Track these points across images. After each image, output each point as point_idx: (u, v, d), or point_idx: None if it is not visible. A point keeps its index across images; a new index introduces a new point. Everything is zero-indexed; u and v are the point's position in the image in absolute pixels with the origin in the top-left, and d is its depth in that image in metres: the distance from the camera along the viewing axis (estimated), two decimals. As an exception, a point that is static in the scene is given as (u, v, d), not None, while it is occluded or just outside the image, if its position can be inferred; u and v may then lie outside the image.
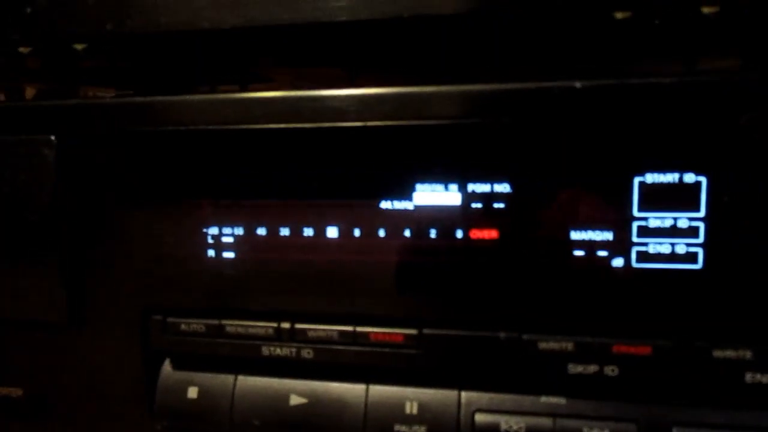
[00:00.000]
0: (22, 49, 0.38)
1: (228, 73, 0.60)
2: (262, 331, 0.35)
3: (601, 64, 0.48)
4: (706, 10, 0.30)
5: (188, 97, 0.35)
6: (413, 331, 0.34)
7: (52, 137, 0.36)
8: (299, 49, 0.42)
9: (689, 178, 0.31)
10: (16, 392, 0.41)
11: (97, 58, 0.43)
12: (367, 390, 0.35)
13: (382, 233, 0.34)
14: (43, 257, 0.37)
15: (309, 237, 0.35)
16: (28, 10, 0.36)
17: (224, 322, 0.36)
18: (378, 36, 0.37)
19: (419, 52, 0.43)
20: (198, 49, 0.40)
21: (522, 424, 0.33)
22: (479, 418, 0.34)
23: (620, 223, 0.32)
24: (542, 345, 0.32)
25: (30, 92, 0.67)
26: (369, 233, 0.34)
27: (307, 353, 0.35)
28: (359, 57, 0.47)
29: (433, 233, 0.34)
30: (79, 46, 0.37)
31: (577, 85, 0.31)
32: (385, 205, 0.34)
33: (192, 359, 0.37)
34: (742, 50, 0.43)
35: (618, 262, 0.32)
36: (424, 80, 0.65)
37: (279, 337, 0.35)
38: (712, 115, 0.30)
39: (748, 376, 0.30)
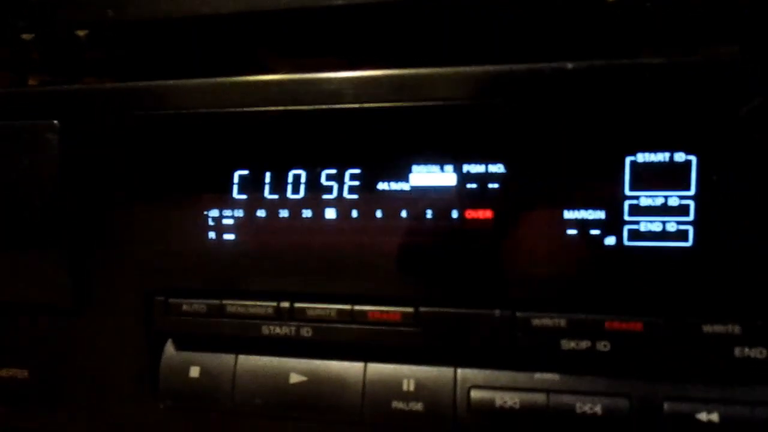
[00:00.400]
0: (25, 36, 0.38)
1: (228, 64, 0.61)
2: (262, 311, 0.36)
3: (598, 51, 0.48)
4: (695, -8, 0.30)
5: (188, 81, 0.36)
6: (410, 310, 0.35)
7: (56, 122, 0.37)
8: (298, 37, 0.42)
9: (680, 157, 0.31)
10: (23, 374, 0.42)
11: (99, 49, 0.44)
12: (365, 368, 0.36)
13: (379, 214, 0.35)
14: (48, 241, 0.38)
15: (307, 218, 0.36)
16: (31, -3, 0.37)
17: (225, 302, 0.37)
18: (376, 23, 0.37)
19: (416, 39, 0.44)
20: (197, 39, 0.41)
21: (516, 400, 0.34)
22: (475, 394, 0.34)
23: (612, 202, 0.32)
24: (536, 322, 0.33)
25: (33, 81, 0.68)
26: (366, 214, 0.35)
27: (306, 332, 0.36)
28: (358, 46, 0.47)
29: (429, 214, 0.34)
30: (81, 33, 0.38)
31: (569, 66, 0.31)
32: (381, 186, 0.35)
33: (194, 339, 0.38)
34: (740, 37, 0.44)
35: (610, 240, 0.33)
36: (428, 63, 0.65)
37: (279, 316, 0.36)
38: (701, 95, 0.31)
39: (737, 351, 0.31)
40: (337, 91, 0.34)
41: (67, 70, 0.59)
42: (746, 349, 0.31)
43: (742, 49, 0.46)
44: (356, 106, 0.33)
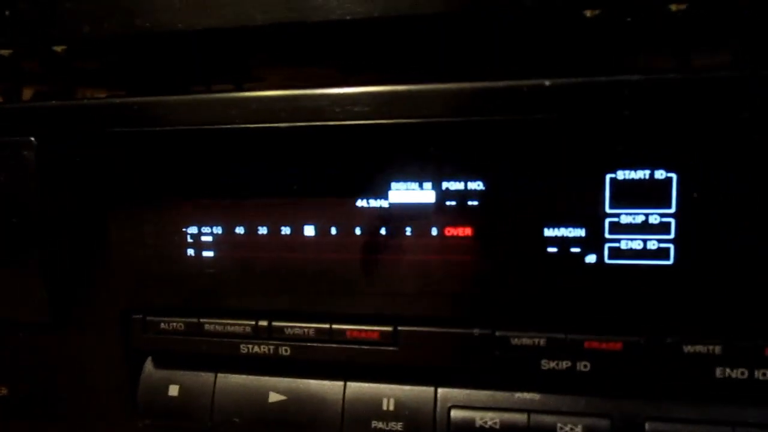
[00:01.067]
0: (3, 52, 0.38)
1: (221, 73, 0.60)
2: (240, 330, 0.36)
3: (591, 60, 0.48)
4: (673, 7, 0.30)
5: (164, 98, 0.35)
6: (389, 328, 0.34)
7: (32, 139, 0.37)
8: (290, 48, 0.42)
9: (660, 174, 0.31)
10: (2, 390, 0.41)
11: (91, 60, 0.44)
12: (344, 387, 0.36)
13: (358, 231, 0.34)
14: (26, 258, 0.38)
15: (286, 235, 0.35)
16: (7, 13, 0.36)
17: (203, 320, 0.36)
18: (369, 36, 0.37)
19: (408, 50, 0.43)
20: (190, 49, 0.41)
21: (497, 420, 0.33)
22: (455, 414, 0.34)
23: (592, 219, 0.32)
24: (515, 341, 0.33)
25: (27, 93, 0.67)
26: (345, 231, 0.35)
27: (284, 351, 0.36)
28: (352, 55, 0.47)
29: (408, 231, 0.34)
30: (58, 48, 0.37)
31: (546, 83, 0.31)
32: (360, 203, 0.34)
33: (173, 357, 0.38)
34: (732, 44, 0.43)
35: (591, 258, 0.32)
36: (417, 77, 0.65)
37: (257, 335, 0.36)
38: (681, 112, 0.30)
39: (719, 371, 0.31)
40: (317, 107, 0.33)
41: (59, 82, 0.59)
42: (727, 370, 0.31)
43: (734, 56, 0.46)
44: (335, 123, 0.33)
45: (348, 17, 0.32)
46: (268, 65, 0.56)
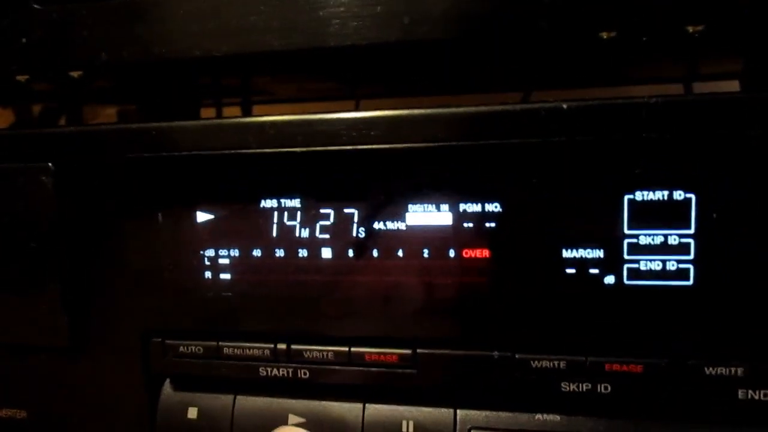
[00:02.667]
0: (19, 78, 0.38)
1: (230, 89, 0.61)
2: (258, 353, 0.36)
3: (603, 68, 0.48)
4: (691, 29, 0.30)
5: (181, 123, 0.35)
6: (407, 351, 0.34)
7: (50, 164, 0.37)
8: (298, 68, 0.42)
9: (679, 195, 0.31)
10: (21, 414, 0.41)
11: (101, 80, 0.44)
12: (363, 409, 0.36)
13: (375, 254, 0.35)
14: (45, 283, 0.38)
15: (303, 258, 0.35)
16: (24, 40, 0.36)
17: (222, 343, 0.37)
18: (371, 55, 0.37)
19: (416, 65, 0.44)
20: (202, 70, 0.41)
21: (517, 442, 0.33)
22: (475, 436, 0.34)
23: (611, 241, 0.32)
24: (535, 364, 0.33)
25: (36, 109, 0.68)
26: (363, 254, 0.35)
27: (303, 373, 0.36)
28: (356, 72, 0.47)
29: (425, 253, 0.34)
30: (75, 74, 0.37)
31: (564, 106, 0.31)
32: (378, 226, 0.34)
33: (191, 380, 0.38)
34: (743, 52, 0.43)
35: (609, 279, 0.32)
36: (425, 89, 0.65)
37: (276, 358, 0.36)
38: (699, 133, 0.30)
39: (741, 393, 0.30)
40: (332, 132, 0.33)
41: (68, 100, 0.59)
42: (750, 392, 0.30)
43: (745, 63, 0.46)
44: (351, 147, 0.33)
45: (364, 43, 0.32)
46: (276, 81, 0.56)
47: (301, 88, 0.64)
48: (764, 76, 0.43)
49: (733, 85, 0.62)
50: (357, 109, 0.74)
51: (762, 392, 0.30)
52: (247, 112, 0.76)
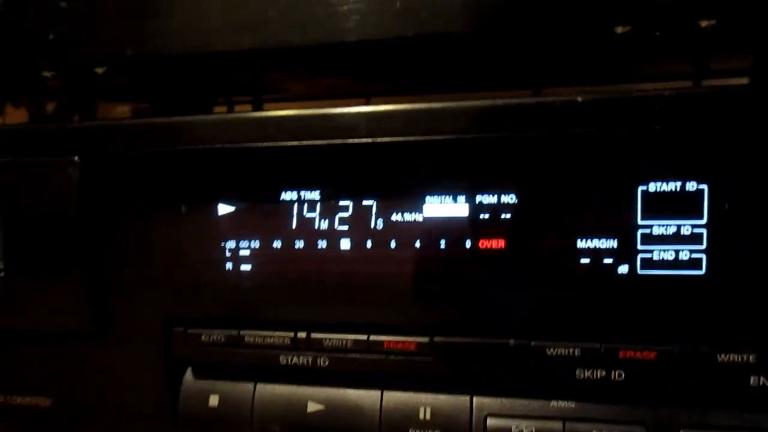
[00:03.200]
0: (45, 74, 0.39)
1: (242, 85, 0.62)
2: (279, 341, 0.37)
3: (613, 65, 0.49)
4: (703, 23, 0.31)
5: (204, 117, 0.36)
6: (425, 339, 0.35)
7: (76, 158, 0.38)
8: (315, 63, 0.43)
9: (691, 186, 0.32)
10: (44, 402, 0.42)
11: (121, 76, 0.45)
12: (381, 396, 0.36)
13: (393, 244, 0.35)
14: (68, 272, 0.39)
15: (323, 249, 0.36)
16: (51, 36, 0.37)
17: (243, 332, 0.37)
18: (389, 50, 0.38)
19: (430, 60, 0.44)
20: (212, 65, 0.42)
21: (533, 428, 0.34)
22: (491, 422, 0.35)
23: (625, 231, 0.33)
24: (550, 351, 0.33)
25: (50, 106, 0.69)
26: (381, 244, 0.35)
27: (323, 361, 0.36)
28: (372, 68, 0.48)
29: (442, 243, 0.35)
30: (99, 70, 0.38)
31: (578, 99, 0.31)
32: (396, 217, 0.35)
33: (213, 368, 0.39)
34: (753, 49, 0.44)
35: (623, 269, 0.33)
36: (437, 86, 0.66)
37: (296, 346, 0.37)
38: (711, 124, 0.31)
39: (753, 380, 0.31)
40: (352, 125, 0.34)
41: (83, 96, 0.60)
42: (762, 378, 0.31)
43: (754, 60, 0.46)
44: (369, 140, 0.34)
45: (383, 37, 0.33)
46: (288, 78, 0.57)
47: (311, 86, 0.65)
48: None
49: (743, 82, 0.63)
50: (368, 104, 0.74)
51: (773, 378, 0.31)
52: (258, 109, 0.76)
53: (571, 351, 0.33)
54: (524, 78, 0.63)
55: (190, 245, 0.38)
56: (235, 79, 0.56)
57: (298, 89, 0.69)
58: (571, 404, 0.34)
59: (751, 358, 0.31)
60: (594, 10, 0.31)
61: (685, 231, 0.32)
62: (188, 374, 0.40)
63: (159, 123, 0.37)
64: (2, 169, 0.39)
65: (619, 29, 0.32)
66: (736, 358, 0.31)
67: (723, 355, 0.31)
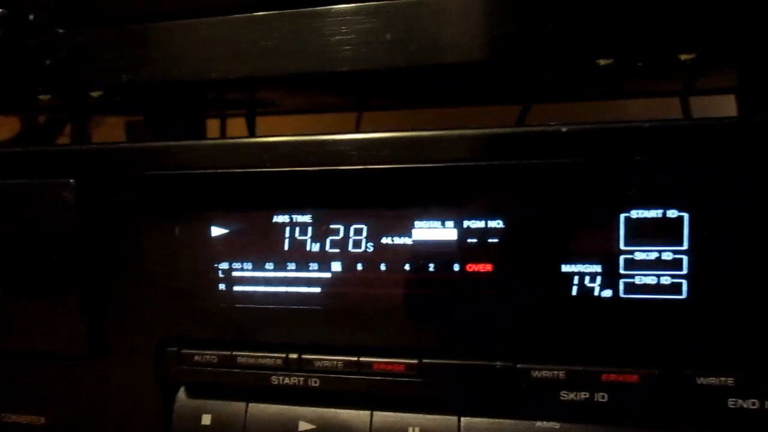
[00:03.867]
0: (42, 97, 0.40)
1: (235, 102, 0.62)
2: (271, 362, 0.38)
3: (601, 84, 0.50)
4: (683, 57, 0.32)
5: (200, 142, 0.37)
6: (414, 361, 0.36)
7: (72, 180, 0.39)
8: (308, 87, 0.44)
9: (672, 214, 0.33)
10: (39, 420, 0.43)
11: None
12: (371, 416, 0.37)
13: (383, 267, 0.36)
14: (65, 293, 0.40)
15: (314, 271, 0.37)
16: (48, 62, 0.38)
17: (236, 353, 0.38)
18: (380, 76, 0.39)
19: (420, 84, 0.45)
20: (207, 89, 0.43)
21: (519, 448, 0.35)
22: (478, 442, 0.35)
23: (608, 256, 0.34)
24: (535, 374, 0.34)
25: (42, 119, 0.70)
26: (371, 267, 0.36)
27: (314, 382, 0.37)
28: (362, 89, 0.49)
29: (431, 267, 0.36)
30: (95, 94, 0.39)
31: (563, 129, 0.32)
32: (385, 240, 0.36)
33: (205, 388, 0.40)
34: (738, 68, 0.45)
35: (607, 293, 0.34)
36: (426, 101, 0.67)
37: (287, 367, 0.37)
38: (692, 155, 0.32)
39: (731, 402, 0.32)
40: (343, 152, 0.35)
41: (76, 111, 0.61)
42: (739, 401, 0.32)
43: (740, 77, 0.48)
44: (360, 167, 0.35)
45: (374, 68, 0.34)
46: (281, 95, 0.58)
47: (305, 101, 0.66)
48: (757, 93, 0.45)
49: (729, 99, 0.64)
50: (359, 120, 0.76)
51: (750, 401, 0.32)
52: (251, 124, 0.77)
53: (555, 373, 0.34)
54: (513, 95, 0.65)
55: (183, 267, 0.39)
56: (228, 97, 0.57)
57: (291, 104, 0.70)
58: (556, 425, 0.35)
59: (729, 381, 0.32)
60: (578, 45, 0.32)
61: (667, 257, 0.33)
62: (181, 393, 0.40)
63: (154, 147, 0.38)
64: (-1, 191, 0.40)
65: (602, 62, 0.33)
66: (715, 381, 0.32)
67: (703, 378, 0.32)
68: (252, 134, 0.77)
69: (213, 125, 0.73)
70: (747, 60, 0.36)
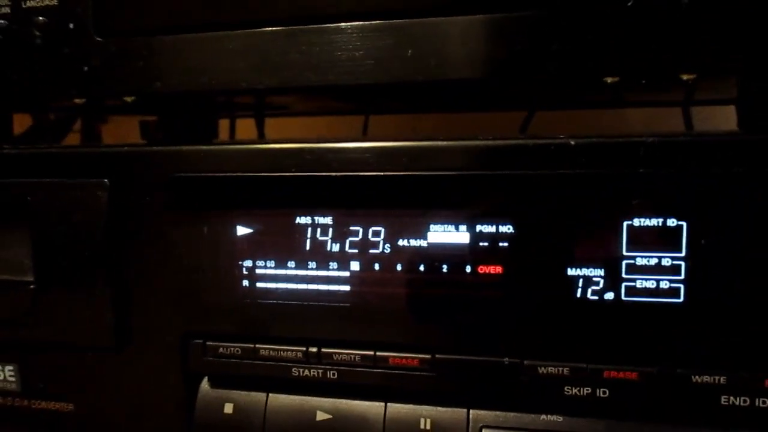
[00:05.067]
0: (77, 100, 0.42)
1: (247, 104, 0.65)
2: (292, 355, 0.40)
3: (603, 93, 0.52)
4: (685, 77, 0.34)
5: (227, 147, 0.39)
6: (427, 356, 0.38)
7: (106, 180, 0.41)
8: (324, 95, 0.46)
9: (671, 222, 0.35)
10: (67, 407, 0.45)
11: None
12: (385, 407, 0.39)
13: (399, 268, 0.38)
14: (95, 288, 0.42)
15: (333, 270, 0.39)
16: (85, 68, 0.40)
17: (258, 346, 0.40)
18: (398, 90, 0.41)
19: (434, 94, 0.47)
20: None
21: (524, 440, 0.37)
22: (486, 433, 0.38)
23: (611, 261, 0.36)
24: (541, 370, 0.36)
25: (52, 115, 0.72)
26: (388, 268, 0.38)
27: (332, 375, 0.39)
28: (374, 97, 0.51)
29: (444, 268, 0.38)
30: (128, 99, 0.41)
31: (572, 142, 0.35)
32: (402, 243, 0.38)
33: (228, 378, 0.42)
34: (739, 75, 0.47)
35: (609, 296, 0.36)
36: (432, 108, 0.69)
37: (307, 360, 0.40)
38: (690, 168, 0.34)
39: (723, 399, 0.34)
40: (363, 159, 0.37)
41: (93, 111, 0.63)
42: (731, 398, 0.34)
43: (741, 84, 0.50)
44: (380, 173, 0.37)
45: (395, 81, 0.36)
46: (291, 98, 0.60)
47: (314, 105, 0.68)
48: (755, 108, 0.47)
49: (730, 110, 0.66)
50: (366, 123, 0.78)
51: (742, 399, 0.34)
52: (260, 125, 0.80)
53: (560, 370, 0.36)
54: (517, 101, 0.67)
55: (209, 264, 0.41)
56: (241, 101, 0.59)
57: (300, 107, 0.72)
58: (559, 418, 0.37)
59: (722, 380, 0.34)
60: (587, 64, 0.34)
61: (666, 263, 0.35)
62: (204, 384, 0.43)
63: (184, 151, 0.40)
64: (35, 190, 0.42)
65: (609, 80, 0.35)
66: (709, 380, 0.35)
67: (697, 377, 0.35)
68: (261, 135, 0.80)
69: (223, 124, 0.75)
70: (746, 76, 0.38)
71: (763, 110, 0.41)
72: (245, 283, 0.41)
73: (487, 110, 0.74)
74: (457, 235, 0.38)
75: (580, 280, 0.36)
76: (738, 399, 0.34)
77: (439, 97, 0.52)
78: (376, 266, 0.39)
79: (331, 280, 0.39)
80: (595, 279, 0.36)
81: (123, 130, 0.77)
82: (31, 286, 0.43)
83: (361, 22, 0.37)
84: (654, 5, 0.33)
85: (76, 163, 0.42)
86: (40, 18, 0.40)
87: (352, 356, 0.39)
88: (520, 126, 0.75)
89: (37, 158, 0.42)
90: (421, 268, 0.38)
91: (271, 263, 0.40)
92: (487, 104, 0.68)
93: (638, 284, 0.36)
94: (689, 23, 0.33)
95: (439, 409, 0.39)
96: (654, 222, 0.35)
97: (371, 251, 0.39)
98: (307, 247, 0.40)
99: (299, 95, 0.45)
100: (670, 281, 0.35)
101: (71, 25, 0.40)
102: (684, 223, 0.35)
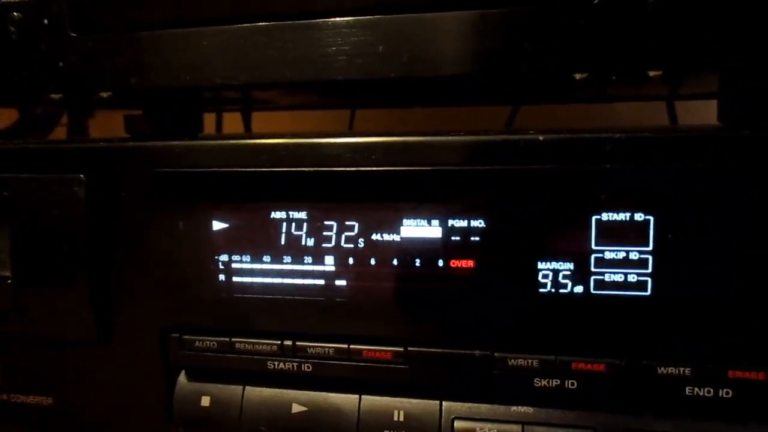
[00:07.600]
0: (54, 96, 0.42)
1: (233, 99, 0.65)
2: (267, 348, 0.40)
3: (585, 89, 0.52)
4: (651, 73, 0.35)
5: (204, 143, 0.40)
6: (400, 349, 0.39)
7: (82, 176, 0.41)
8: (306, 90, 0.46)
9: (639, 217, 0.36)
10: (47, 401, 0.45)
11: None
12: (360, 400, 0.40)
13: (373, 262, 0.39)
14: (74, 283, 0.42)
15: (308, 264, 0.40)
16: (61, 64, 0.41)
17: (234, 339, 0.41)
18: (377, 86, 0.41)
19: (413, 89, 0.48)
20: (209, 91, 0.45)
21: (495, 430, 0.38)
22: (458, 424, 0.38)
23: (580, 255, 0.36)
24: (511, 362, 0.37)
25: (39, 109, 0.72)
26: (361, 262, 0.39)
27: (307, 367, 0.40)
28: (356, 93, 0.51)
29: (417, 263, 0.38)
30: (105, 94, 0.42)
31: (540, 138, 0.35)
32: (375, 237, 0.39)
33: (205, 372, 0.42)
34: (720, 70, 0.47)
35: (578, 289, 0.37)
36: (416, 103, 0.70)
37: (282, 353, 0.40)
38: (657, 163, 0.35)
39: (688, 390, 0.35)
40: (337, 154, 0.38)
41: (78, 106, 0.63)
42: (696, 389, 0.35)
43: (722, 79, 0.50)
44: (353, 169, 0.37)
45: (368, 77, 0.36)
46: (277, 94, 0.60)
47: (300, 99, 0.68)
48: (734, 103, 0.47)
49: (712, 104, 0.67)
50: (352, 117, 0.78)
51: (706, 389, 0.35)
52: (247, 119, 0.80)
53: (529, 362, 0.37)
54: (503, 96, 0.67)
55: (186, 259, 0.41)
56: (227, 96, 0.59)
57: (286, 101, 0.72)
58: (530, 409, 0.38)
59: (686, 371, 0.35)
60: (556, 61, 0.34)
61: (633, 257, 0.36)
62: (182, 377, 0.43)
63: (161, 146, 0.40)
64: (13, 185, 0.42)
65: (578, 75, 0.35)
66: (674, 371, 0.35)
67: (662, 368, 0.35)
68: (248, 129, 0.80)
69: (209, 119, 0.75)
70: (725, 73, 0.39)
71: (737, 104, 0.41)
72: (221, 277, 0.41)
73: (473, 105, 0.75)
74: (430, 230, 0.38)
75: (550, 274, 0.37)
76: (702, 390, 0.35)
77: (419, 93, 0.52)
78: (350, 261, 0.39)
79: (305, 274, 0.40)
80: (564, 273, 0.37)
81: (110, 124, 0.77)
82: (9, 281, 0.43)
83: (335, 19, 0.37)
84: (619, 4, 0.33)
85: (55, 158, 0.42)
86: (15, 14, 0.40)
87: (327, 349, 0.40)
88: (506, 121, 0.75)
89: (15, 153, 0.42)
90: (395, 262, 0.39)
91: (246, 258, 0.41)
92: (470, 99, 0.68)
93: (607, 278, 0.36)
94: (654, 22, 0.33)
95: (413, 401, 0.39)
96: (622, 216, 0.36)
97: (345, 246, 0.39)
98: (282, 242, 0.40)
99: (279, 91, 0.45)
100: (638, 275, 0.36)
101: (46, 21, 0.40)
102: (651, 218, 0.35)
